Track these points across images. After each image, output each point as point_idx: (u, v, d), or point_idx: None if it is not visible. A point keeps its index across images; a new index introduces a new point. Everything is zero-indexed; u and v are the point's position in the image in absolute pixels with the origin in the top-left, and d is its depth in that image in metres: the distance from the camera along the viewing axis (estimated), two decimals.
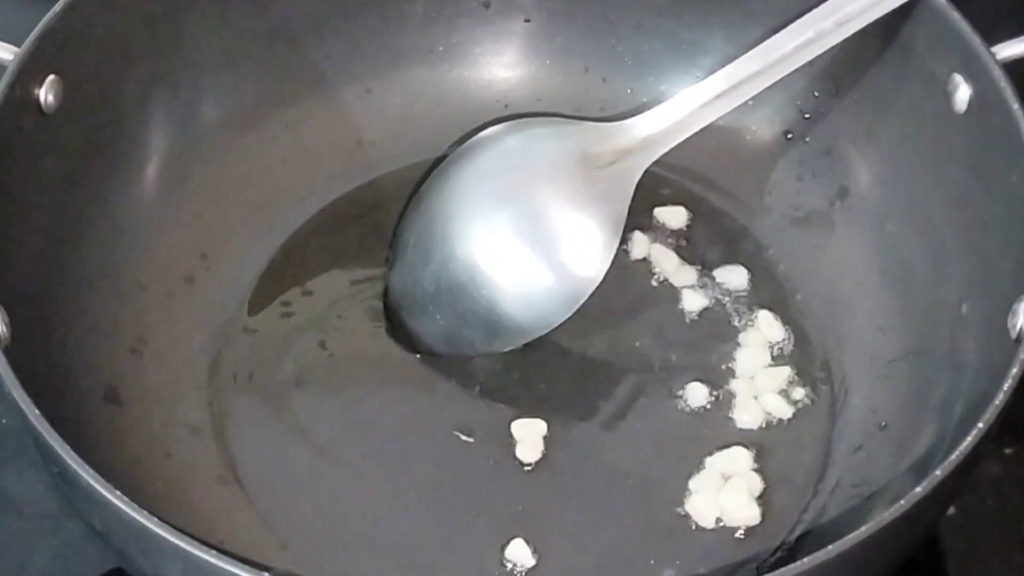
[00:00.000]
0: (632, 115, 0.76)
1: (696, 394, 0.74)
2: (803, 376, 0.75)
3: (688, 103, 0.75)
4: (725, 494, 0.71)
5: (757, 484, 0.71)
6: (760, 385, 0.74)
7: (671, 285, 0.78)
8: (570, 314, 0.73)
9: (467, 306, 0.74)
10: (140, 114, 0.77)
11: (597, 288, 0.76)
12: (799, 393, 0.74)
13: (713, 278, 0.78)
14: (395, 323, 0.76)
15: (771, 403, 0.74)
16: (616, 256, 0.77)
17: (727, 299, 0.77)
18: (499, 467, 0.72)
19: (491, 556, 0.69)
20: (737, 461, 0.72)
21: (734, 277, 0.78)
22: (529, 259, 0.74)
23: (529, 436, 0.72)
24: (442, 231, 0.76)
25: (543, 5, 0.83)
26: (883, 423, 0.72)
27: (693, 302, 0.77)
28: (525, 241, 0.74)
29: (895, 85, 0.76)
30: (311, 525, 0.70)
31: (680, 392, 0.74)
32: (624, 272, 0.78)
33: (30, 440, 0.63)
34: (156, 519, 0.58)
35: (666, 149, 0.75)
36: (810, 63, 0.75)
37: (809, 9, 0.74)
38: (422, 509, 0.71)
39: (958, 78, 0.72)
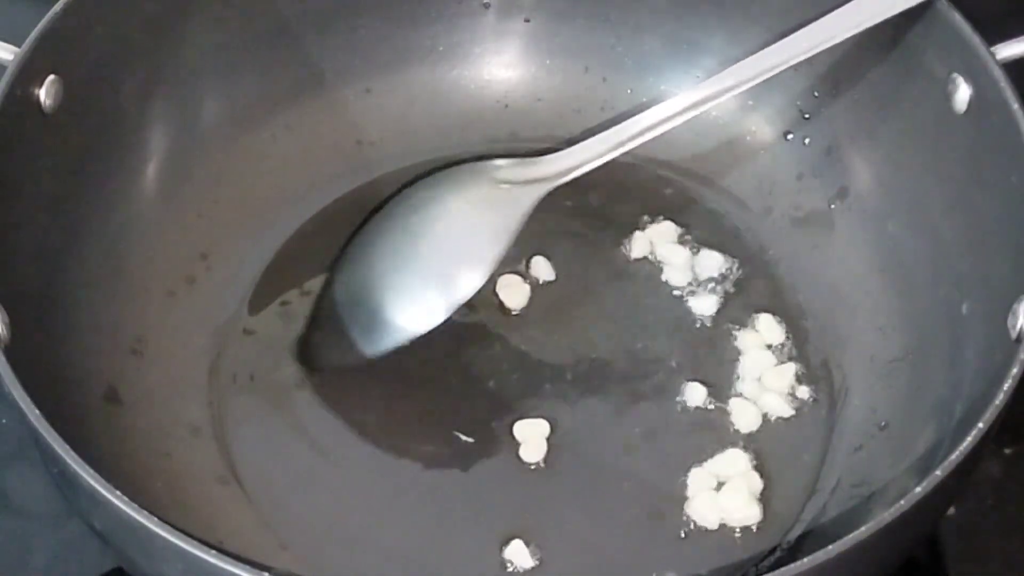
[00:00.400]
0: (632, 115, 0.76)
1: (696, 394, 0.74)
2: (803, 376, 0.75)
3: (608, 140, 0.76)
4: (725, 494, 0.71)
5: (757, 484, 0.71)
6: (762, 385, 0.74)
7: (672, 286, 0.78)
8: (444, 318, 0.73)
9: (361, 308, 0.74)
10: (140, 114, 0.77)
11: (598, 289, 0.76)
12: (799, 393, 0.74)
13: (703, 278, 0.78)
14: (304, 341, 0.76)
15: (771, 403, 0.74)
16: (617, 256, 0.77)
17: (723, 292, 0.77)
18: (499, 467, 0.72)
19: (491, 556, 0.69)
20: (737, 461, 0.72)
21: (709, 263, 0.78)
22: (410, 256, 0.74)
23: (532, 437, 0.72)
24: (359, 251, 0.77)
25: (543, 5, 0.83)
26: (883, 423, 0.72)
27: (693, 303, 0.77)
28: (411, 240, 0.75)
29: (895, 85, 0.76)
30: (311, 525, 0.70)
31: (680, 392, 0.74)
32: (625, 273, 0.78)
33: (30, 440, 0.63)
34: (156, 519, 0.58)
35: (573, 177, 0.76)
36: (809, 62, 0.75)
37: (808, 12, 0.74)
38: (422, 509, 0.71)
39: (958, 78, 0.72)
